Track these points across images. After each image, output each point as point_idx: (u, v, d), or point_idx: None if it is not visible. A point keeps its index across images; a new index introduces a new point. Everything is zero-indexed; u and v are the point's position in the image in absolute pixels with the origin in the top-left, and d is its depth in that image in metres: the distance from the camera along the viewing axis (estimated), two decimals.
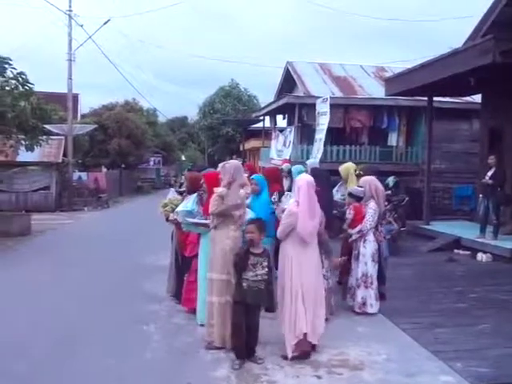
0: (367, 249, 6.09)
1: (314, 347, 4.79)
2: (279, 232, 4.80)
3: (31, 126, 12.69)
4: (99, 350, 4.99)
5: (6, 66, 11.40)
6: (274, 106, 19.69)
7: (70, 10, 23.41)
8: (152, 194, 33.26)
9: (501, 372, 4.41)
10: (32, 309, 6.40)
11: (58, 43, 36.74)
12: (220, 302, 4.84)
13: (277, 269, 5.14)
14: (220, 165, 5.20)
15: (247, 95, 39.13)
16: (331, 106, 15.12)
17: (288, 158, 15.75)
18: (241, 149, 32.38)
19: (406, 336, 5.34)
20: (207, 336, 5.02)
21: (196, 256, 5.65)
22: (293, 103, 17.14)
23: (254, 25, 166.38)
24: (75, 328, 5.63)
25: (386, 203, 7.83)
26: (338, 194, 9.01)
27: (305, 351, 4.68)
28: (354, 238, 6.17)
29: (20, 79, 11.72)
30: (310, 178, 4.95)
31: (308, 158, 14.10)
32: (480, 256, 9.42)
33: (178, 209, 5.83)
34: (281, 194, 6.36)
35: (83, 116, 35.22)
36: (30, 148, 13.14)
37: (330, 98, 15.54)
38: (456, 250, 10.12)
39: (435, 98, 12.77)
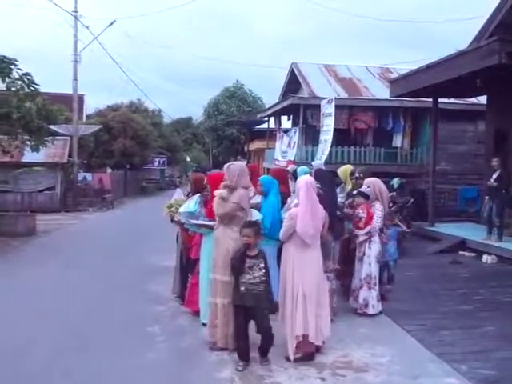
0: (372, 250, 6.08)
1: (318, 349, 4.78)
2: (281, 234, 4.80)
3: (36, 127, 12.75)
4: (104, 350, 5.01)
5: (12, 66, 11.42)
6: (278, 106, 19.70)
7: (76, 12, 23.47)
8: (156, 195, 33.27)
9: (505, 374, 4.39)
10: (37, 309, 6.42)
11: (63, 44, 36.95)
12: (223, 303, 4.84)
13: None
14: (225, 166, 5.18)
15: (252, 96, 39.21)
16: (336, 107, 15.12)
17: (292, 159, 15.76)
18: (245, 150, 32.41)
19: (411, 338, 5.33)
20: (210, 336, 5.02)
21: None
22: (298, 104, 17.16)
23: (260, 26, 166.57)
24: (79, 328, 5.65)
25: (391, 205, 7.82)
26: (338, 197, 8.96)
27: (308, 353, 4.66)
28: (361, 239, 6.14)
29: (26, 80, 11.74)
30: (310, 179, 4.93)
31: (313, 159, 14.11)
32: (485, 258, 9.41)
33: (181, 209, 5.83)
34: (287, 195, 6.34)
35: (88, 117, 35.34)
36: (35, 149, 13.21)
37: (335, 99, 15.54)
38: (461, 252, 10.10)
39: (440, 100, 12.74)
